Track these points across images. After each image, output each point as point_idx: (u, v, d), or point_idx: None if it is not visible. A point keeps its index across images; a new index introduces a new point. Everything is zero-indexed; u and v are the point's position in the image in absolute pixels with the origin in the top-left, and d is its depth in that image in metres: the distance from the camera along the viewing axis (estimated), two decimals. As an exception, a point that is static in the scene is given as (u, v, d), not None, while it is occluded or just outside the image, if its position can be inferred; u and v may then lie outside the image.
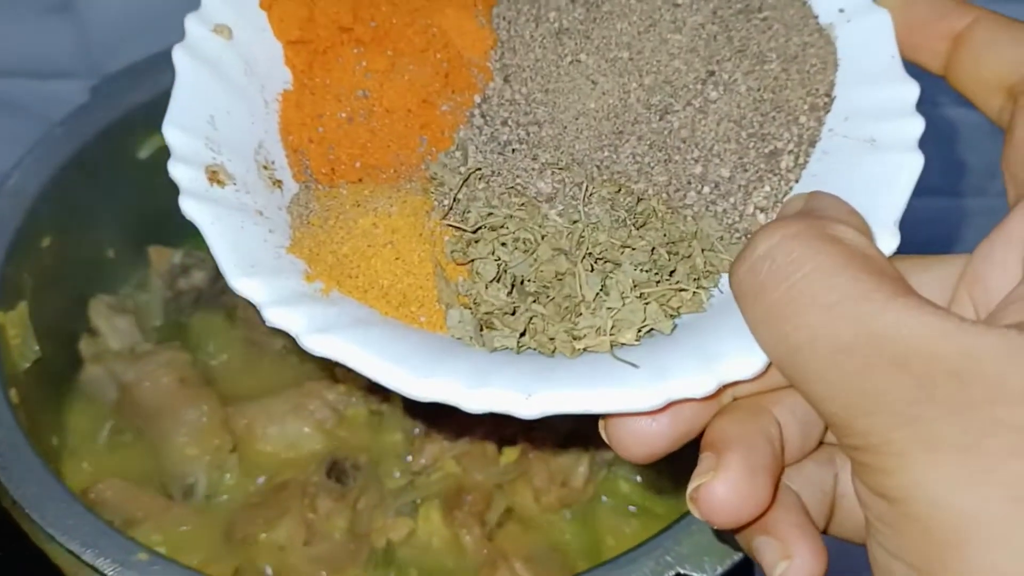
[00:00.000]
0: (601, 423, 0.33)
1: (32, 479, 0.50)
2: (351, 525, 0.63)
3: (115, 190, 0.72)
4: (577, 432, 0.67)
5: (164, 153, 0.74)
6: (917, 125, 0.36)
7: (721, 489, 0.30)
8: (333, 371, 0.68)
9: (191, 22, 0.39)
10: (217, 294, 0.74)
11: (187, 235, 0.79)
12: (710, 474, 0.30)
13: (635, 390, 0.32)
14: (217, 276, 0.75)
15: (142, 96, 0.72)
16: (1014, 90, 0.35)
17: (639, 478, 0.68)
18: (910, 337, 0.27)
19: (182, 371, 0.66)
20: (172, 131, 0.37)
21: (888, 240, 0.33)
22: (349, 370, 0.32)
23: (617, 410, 0.32)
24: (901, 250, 0.34)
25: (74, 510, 0.49)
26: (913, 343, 0.27)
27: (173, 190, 0.77)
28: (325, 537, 0.61)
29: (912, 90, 0.37)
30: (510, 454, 0.67)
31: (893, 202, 0.34)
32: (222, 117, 0.38)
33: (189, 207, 0.35)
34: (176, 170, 0.36)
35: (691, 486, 0.31)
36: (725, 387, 0.32)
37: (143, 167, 0.73)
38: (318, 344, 0.33)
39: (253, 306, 0.33)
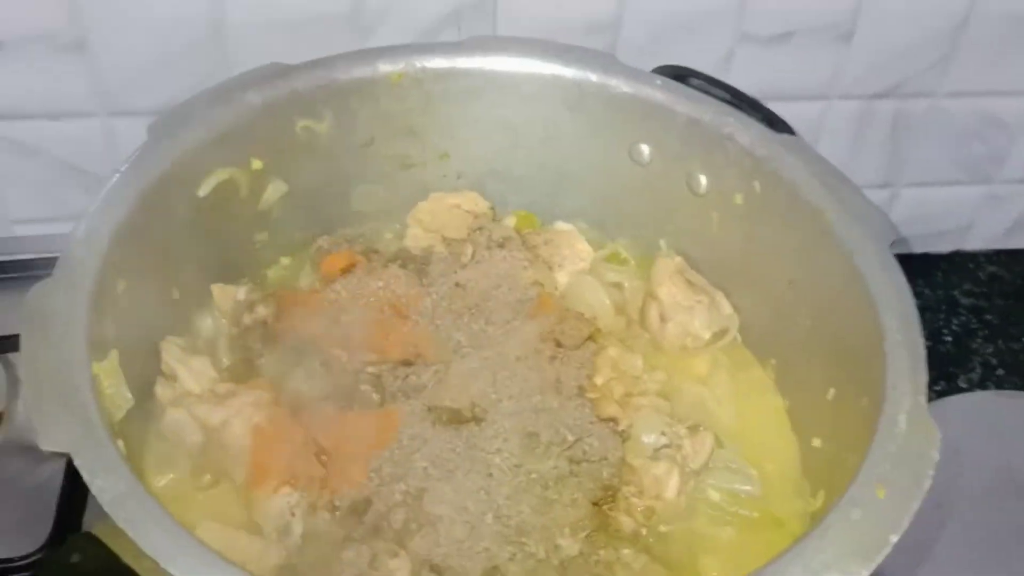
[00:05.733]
0: None
1: (160, 531, 0.49)
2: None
3: (177, 229, 0.71)
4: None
5: (223, 190, 0.74)
6: None
7: None
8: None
9: None
10: (285, 328, 0.73)
11: (247, 271, 0.79)
12: None
13: None
14: (281, 309, 0.75)
15: (198, 134, 0.71)
16: None
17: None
18: None
19: (268, 409, 0.66)
20: None
21: None
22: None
23: None
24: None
25: (208, 560, 0.48)
26: None
27: (232, 227, 0.78)
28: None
29: None
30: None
31: None
32: None
33: None
34: None
35: None
36: None
37: (202, 205, 0.73)
38: None
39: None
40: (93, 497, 0.51)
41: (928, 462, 0.53)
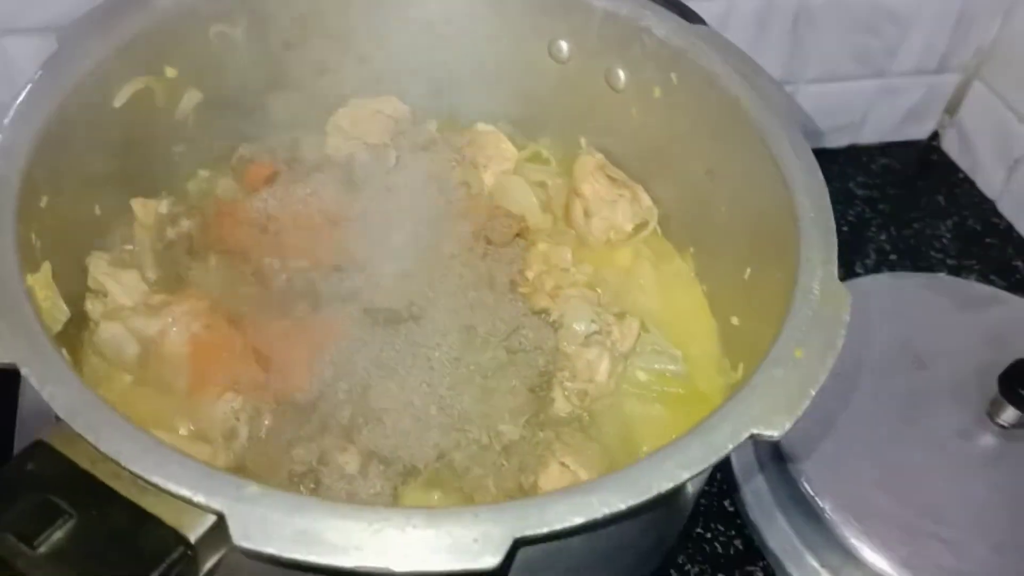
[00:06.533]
0: None
1: (120, 434, 0.49)
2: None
3: (94, 143, 0.69)
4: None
5: (139, 100, 0.72)
6: None
7: None
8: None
9: None
10: (212, 239, 0.73)
11: (167, 184, 0.77)
12: None
13: None
14: (207, 221, 0.74)
15: (110, 41, 0.69)
16: None
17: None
18: None
19: (206, 317, 0.66)
20: None
21: None
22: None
23: None
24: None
25: (172, 457, 0.48)
26: None
27: (150, 139, 0.75)
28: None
29: None
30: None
31: None
32: None
33: None
34: None
35: None
36: None
37: (119, 117, 0.70)
38: None
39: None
40: (22, 417, 0.50)
41: (840, 323, 0.57)
